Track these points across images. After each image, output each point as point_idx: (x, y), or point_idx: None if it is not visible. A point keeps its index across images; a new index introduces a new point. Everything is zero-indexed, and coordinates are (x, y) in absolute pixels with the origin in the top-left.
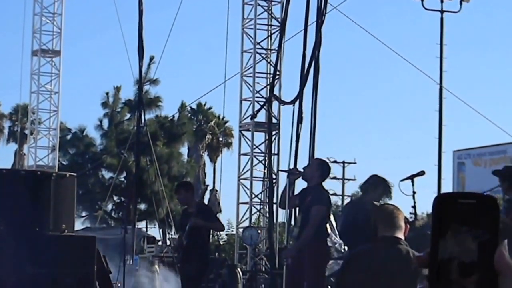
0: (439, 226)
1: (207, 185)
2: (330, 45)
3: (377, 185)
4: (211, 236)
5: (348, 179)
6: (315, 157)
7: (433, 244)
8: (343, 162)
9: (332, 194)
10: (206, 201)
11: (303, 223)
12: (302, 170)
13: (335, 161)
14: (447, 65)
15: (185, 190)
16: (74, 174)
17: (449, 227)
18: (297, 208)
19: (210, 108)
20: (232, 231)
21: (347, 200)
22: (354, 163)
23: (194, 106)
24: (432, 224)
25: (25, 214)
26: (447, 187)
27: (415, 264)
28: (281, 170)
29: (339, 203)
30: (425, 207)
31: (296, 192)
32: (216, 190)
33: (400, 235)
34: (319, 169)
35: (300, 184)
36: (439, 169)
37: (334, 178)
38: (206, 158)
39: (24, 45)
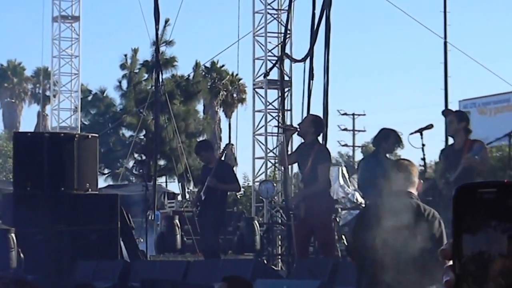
0: (461, 220)
1: (228, 144)
2: (337, 3)
3: (387, 136)
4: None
5: (358, 130)
6: (328, 112)
7: (455, 238)
8: (353, 114)
9: (343, 145)
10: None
11: (307, 179)
12: (297, 126)
13: (345, 113)
14: (451, 19)
15: (204, 151)
16: (96, 134)
17: (473, 219)
18: (297, 164)
19: (223, 66)
20: (248, 184)
21: (357, 150)
22: (364, 115)
23: (208, 65)
24: (453, 217)
25: (51, 175)
26: None
27: (427, 224)
28: (279, 127)
29: (350, 153)
30: (433, 156)
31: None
32: (232, 145)
33: (413, 190)
34: (312, 125)
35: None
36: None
37: (345, 129)
38: (221, 114)
39: (45, 11)
